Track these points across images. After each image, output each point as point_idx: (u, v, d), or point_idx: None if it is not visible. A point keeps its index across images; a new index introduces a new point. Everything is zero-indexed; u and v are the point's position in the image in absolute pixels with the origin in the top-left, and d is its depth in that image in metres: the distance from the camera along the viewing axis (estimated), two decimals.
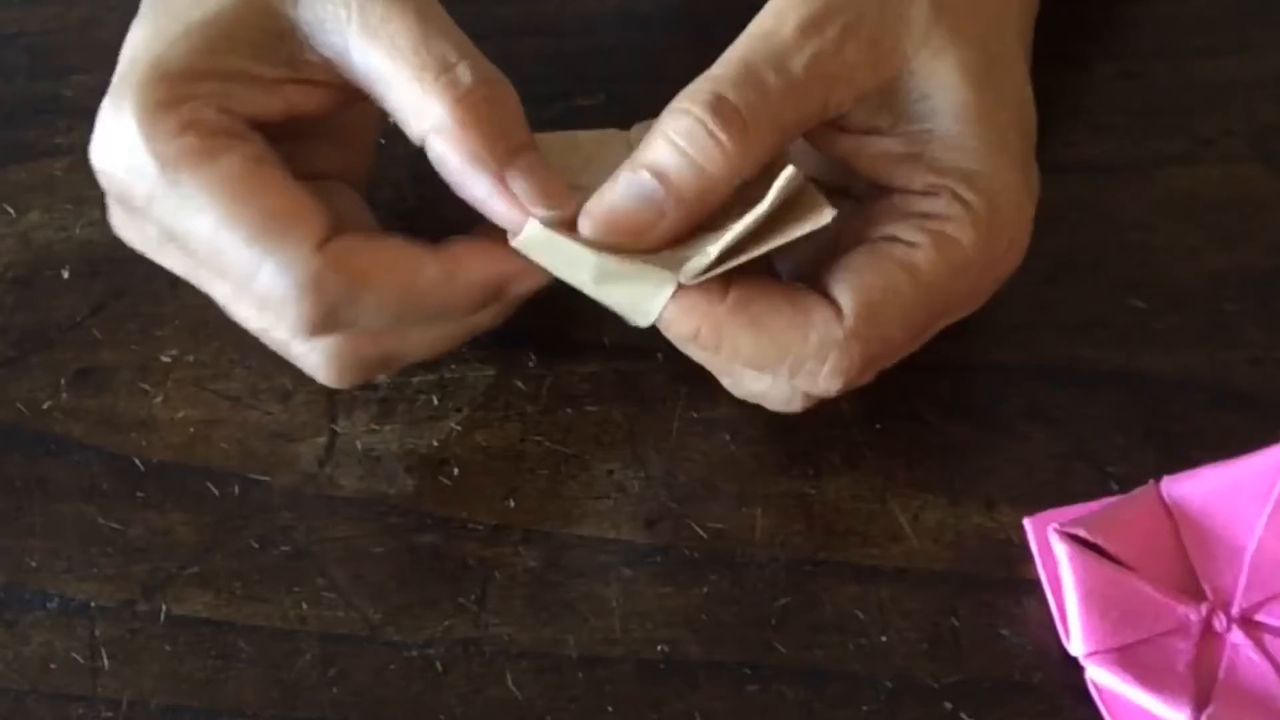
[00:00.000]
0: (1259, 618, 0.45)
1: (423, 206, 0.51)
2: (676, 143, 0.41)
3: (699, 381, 0.47)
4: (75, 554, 0.47)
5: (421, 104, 0.42)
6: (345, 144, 0.47)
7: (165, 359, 0.50)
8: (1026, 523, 0.47)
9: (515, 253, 0.42)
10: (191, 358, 0.50)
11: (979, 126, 0.43)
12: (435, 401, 0.50)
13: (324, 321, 0.42)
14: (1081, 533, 0.45)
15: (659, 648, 0.46)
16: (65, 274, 0.52)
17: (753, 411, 0.47)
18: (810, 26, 0.42)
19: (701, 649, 0.46)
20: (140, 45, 0.43)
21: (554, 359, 0.50)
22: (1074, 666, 0.45)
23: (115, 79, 0.43)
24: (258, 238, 0.41)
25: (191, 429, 0.49)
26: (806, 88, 0.42)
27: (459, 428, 0.49)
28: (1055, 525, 0.45)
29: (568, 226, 0.42)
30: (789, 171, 0.40)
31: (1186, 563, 0.45)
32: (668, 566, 0.47)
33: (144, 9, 0.44)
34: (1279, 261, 0.51)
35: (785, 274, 0.45)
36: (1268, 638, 0.44)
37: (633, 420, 0.49)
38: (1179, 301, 0.51)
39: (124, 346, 0.51)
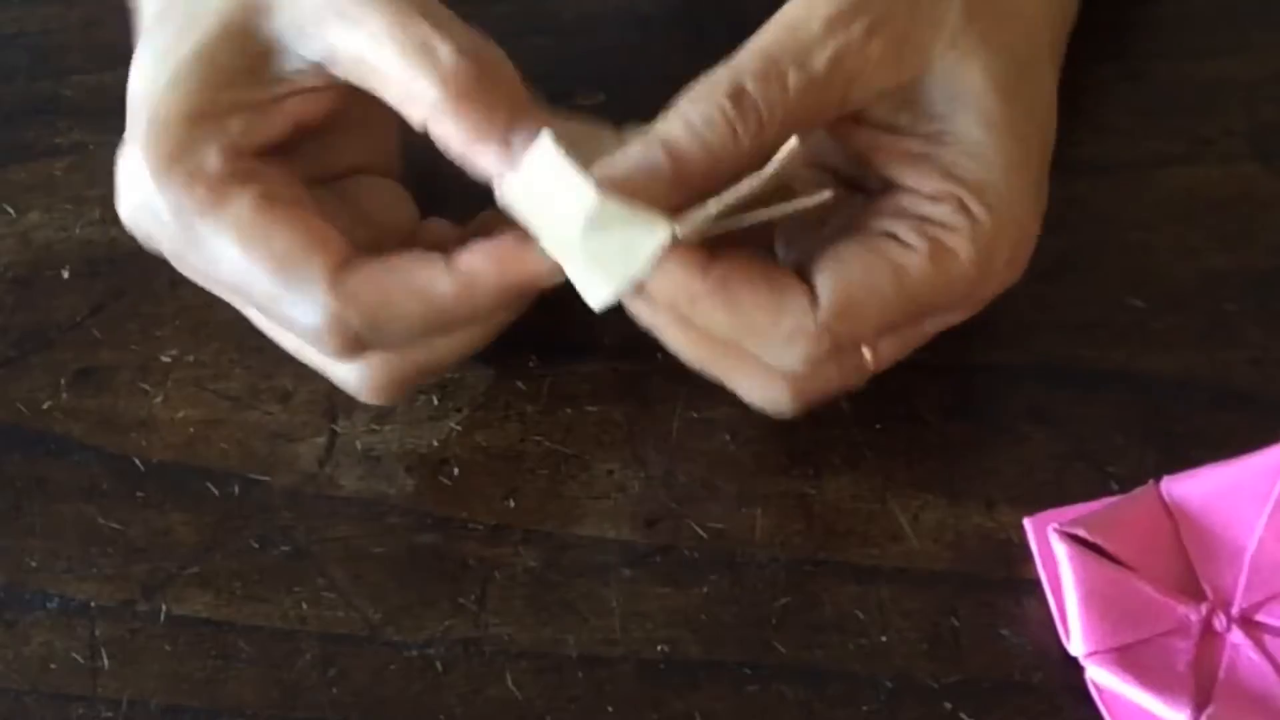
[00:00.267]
0: (1259, 618, 0.45)
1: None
2: (694, 124, 0.41)
3: (699, 381, 0.47)
4: (75, 554, 0.47)
5: (411, 90, 0.42)
6: (367, 134, 0.47)
7: (165, 359, 0.50)
8: (1026, 523, 0.47)
9: (529, 252, 0.42)
10: (191, 358, 0.50)
11: (999, 138, 0.43)
12: (435, 401, 0.50)
13: (350, 350, 0.43)
14: (1081, 533, 0.45)
15: (659, 648, 0.46)
16: (65, 274, 0.52)
17: (753, 411, 0.47)
18: (838, 21, 0.42)
19: (701, 649, 0.46)
20: (140, 95, 0.43)
21: (554, 359, 0.50)
22: (1074, 666, 0.45)
23: (126, 131, 0.43)
24: (274, 279, 0.42)
25: (191, 429, 0.49)
26: (827, 83, 0.42)
27: (459, 428, 0.49)
28: (1055, 525, 0.45)
29: None
30: (792, 142, 0.41)
31: (1186, 563, 0.45)
32: (668, 566, 0.47)
33: (139, 49, 0.44)
34: (1279, 261, 0.51)
35: (790, 263, 0.45)
36: (1268, 638, 0.44)
37: (633, 420, 0.49)
38: (1179, 301, 0.51)
39: (124, 346, 0.51)
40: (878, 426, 0.49)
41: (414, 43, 0.42)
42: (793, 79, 0.41)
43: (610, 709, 0.45)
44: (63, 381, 0.50)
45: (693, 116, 0.41)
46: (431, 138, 0.43)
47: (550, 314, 0.48)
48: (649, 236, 0.41)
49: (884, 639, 0.46)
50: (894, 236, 0.43)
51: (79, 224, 0.53)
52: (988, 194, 0.42)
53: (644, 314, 0.44)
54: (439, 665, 0.46)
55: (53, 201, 0.53)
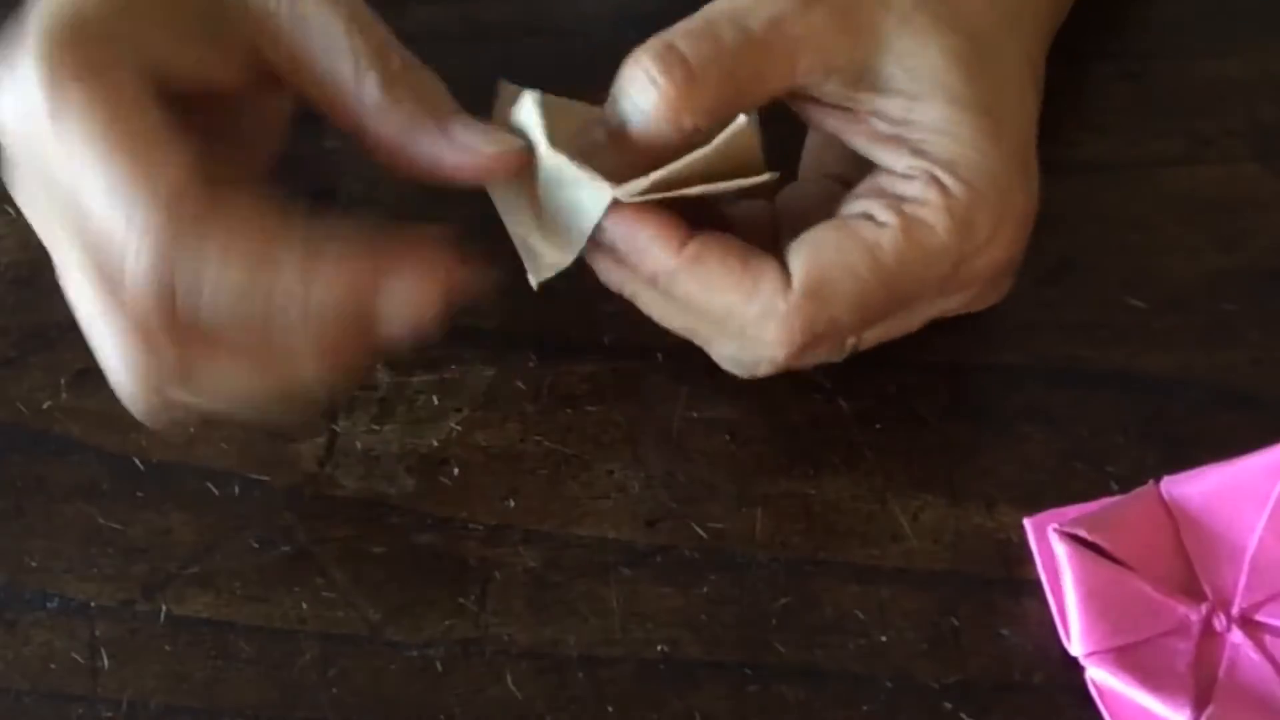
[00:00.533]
0: (1259, 618, 0.45)
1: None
2: (623, 87, 0.42)
3: (699, 381, 0.47)
4: (75, 554, 0.47)
5: (357, 83, 0.42)
6: (247, 148, 0.46)
7: None
8: (1026, 523, 0.47)
9: (405, 276, 0.41)
10: None
11: (965, 113, 0.43)
12: (435, 401, 0.50)
13: (156, 273, 0.39)
14: (1081, 533, 0.45)
15: (659, 648, 0.46)
16: None
17: (753, 411, 0.47)
18: None
19: (701, 649, 0.46)
20: None
21: (554, 359, 0.50)
22: (1074, 666, 0.45)
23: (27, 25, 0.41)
24: (116, 181, 0.39)
25: (191, 429, 0.49)
26: (766, 46, 0.42)
27: (459, 428, 0.49)
28: (1055, 525, 0.45)
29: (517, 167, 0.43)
30: (740, 119, 0.42)
31: (1186, 563, 0.45)
32: (668, 566, 0.47)
33: None
34: (1279, 261, 0.51)
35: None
36: (1268, 638, 0.44)
37: (633, 420, 0.49)
38: (1179, 301, 0.51)
39: None
40: (878, 426, 0.49)
41: (370, 45, 0.42)
42: (727, 36, 0.42)
43: (610, 709, 0.45)
44: (63, 381, 0.50)
45: (622, 79, 0.42)
46: (363, 138, 0.43)
47: (550, 314, 0.49)
48: (594, 199, 0.42)
49: (884, 639, 0.46)
50: (869, 216, 0.43)
51: None
52: (959, 168, 0.43)
53: (619, 281, 0.45)
54: (439, 665, 0.46)
55: None
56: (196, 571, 0.47)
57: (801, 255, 0.42)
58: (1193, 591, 0.45)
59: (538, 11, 0.57)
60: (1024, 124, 0.45)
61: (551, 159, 0.43)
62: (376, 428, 0.49)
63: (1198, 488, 0.46)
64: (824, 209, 0.45)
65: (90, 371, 0.50)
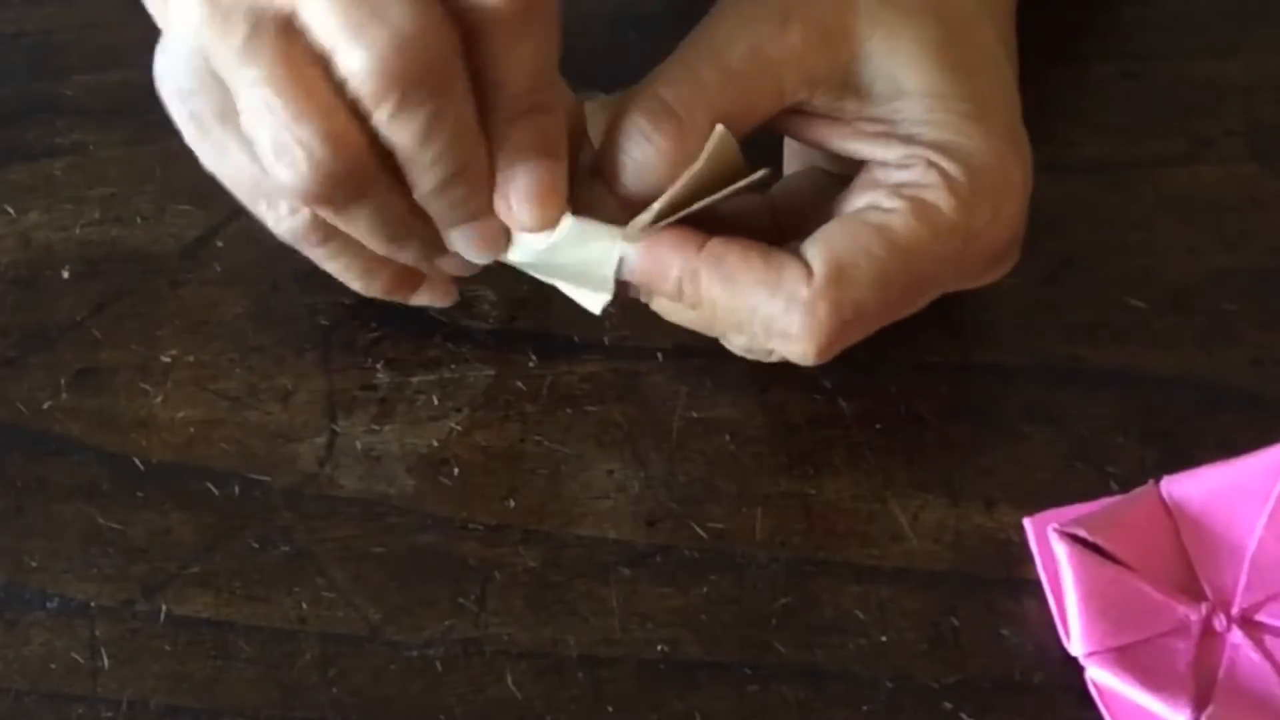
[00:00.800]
0: (1259, 618, 0.45)
1: None
2: (620, 143, 0.43)
3: (699, 381, 0.47)
4: (75, 554, 0.47)
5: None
6: None
7: (165, 359, 0.50)
8: (1026, 523, 0.47)
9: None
10: (191, 358, 0.50)
11: (949, 99, 0.43)
12: (435, 401, 0.50)
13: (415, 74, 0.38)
14: (1081, 533, 0.45)
15: (659, 648, 0.46)
16: (65, 274, 0.52)
17: (753, 411, 0.47)
18: (748, 20, 0.43)
19: (701, 649, 0.46)
20: None
21: (554, 359, 0.50)
22: (1074, 666, 0.45)
23: None
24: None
25: (191, 429, 0.49)
26: (747, 78, 0.43)
27: (459, 428, 0.49)
28: (1055, 525, 0.45)
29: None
30: (718, 130, 0.42)
31: (1186, 563, 0.45)
32: (668, 566, 0.47)
33: None
34: (1279, 261, 0.51)
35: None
36: (1268, 638, 0.44)
37: (633, 420, 0.49)
38: (1179, 301, 0.51)
39: (124, 346, 0.51)
40: (878, 426, 0.49)
41: None
42: (707, 77, 0.43)
43: (610, 709, 0.45)
44: (63, 381, 0.50)
45: (619, 135, 0.43)
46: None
47: (550, 314, 0.49)
48: (607, 249, 0.43)
49: (884, 639, 0.46)
50: (875, 206, 0.43)
51: (79, 224, 0.53)
52: (951, 151, 0.43)
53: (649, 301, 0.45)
54: (439, 665, 0.46)
55: (53, 201, 0.53)
56: (196, 571, 0.47)
57: (818, 247, 0.43)
58: (1193, 591, 0.45)
59: None
60: (1006, 101, 0.45)
61: (573, 221, 0.43)
62: (376, 428, 0.49)
63: (1198, 488, 0.46)
64: (820, 198, 0.46)
65: (90, 371, 0.50)
